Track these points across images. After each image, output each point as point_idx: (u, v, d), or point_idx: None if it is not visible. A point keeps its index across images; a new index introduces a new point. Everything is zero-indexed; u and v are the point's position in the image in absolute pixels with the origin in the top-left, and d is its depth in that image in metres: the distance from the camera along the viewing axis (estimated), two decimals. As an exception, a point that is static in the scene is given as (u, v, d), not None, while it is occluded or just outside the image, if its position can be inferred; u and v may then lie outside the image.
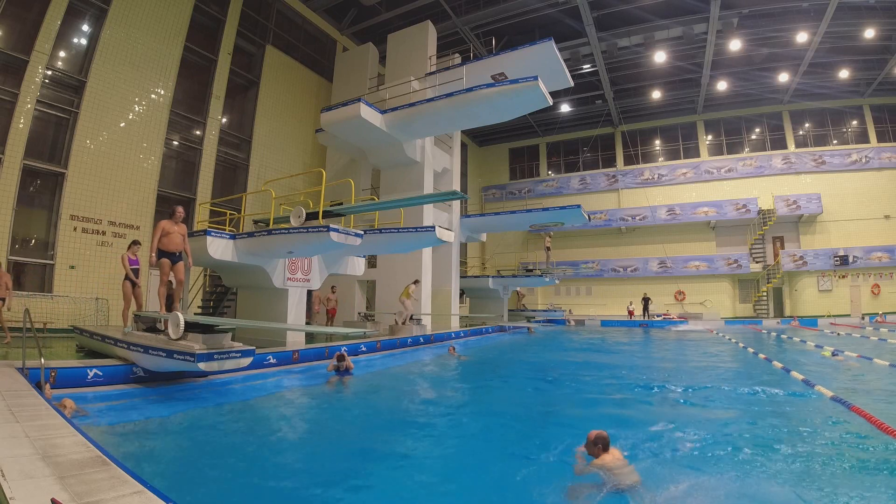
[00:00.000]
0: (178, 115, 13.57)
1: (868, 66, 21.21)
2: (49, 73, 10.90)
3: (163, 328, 6.17)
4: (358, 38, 19.55)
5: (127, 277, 7.81)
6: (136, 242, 8.24)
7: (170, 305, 7.00)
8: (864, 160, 23.45)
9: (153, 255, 6.69)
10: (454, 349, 11.14)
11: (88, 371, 5.66)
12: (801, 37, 18.24)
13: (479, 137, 30.22)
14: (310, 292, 12.05)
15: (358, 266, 12.14)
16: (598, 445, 3.25)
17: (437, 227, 11.46)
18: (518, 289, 25.34)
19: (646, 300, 23.87)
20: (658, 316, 23.84)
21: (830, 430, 4.57)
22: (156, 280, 11.05)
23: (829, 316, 22.28)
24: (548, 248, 24.11)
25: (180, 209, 7.06)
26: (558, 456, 3.89)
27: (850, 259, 22.47)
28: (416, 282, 13.75)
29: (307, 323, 12.37)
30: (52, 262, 10.69)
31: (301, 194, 13.52)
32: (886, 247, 22.32)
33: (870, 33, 18.08)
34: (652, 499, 3.02)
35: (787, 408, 5.70)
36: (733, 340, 14.45)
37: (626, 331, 20.55)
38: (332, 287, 14.14)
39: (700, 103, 24.71)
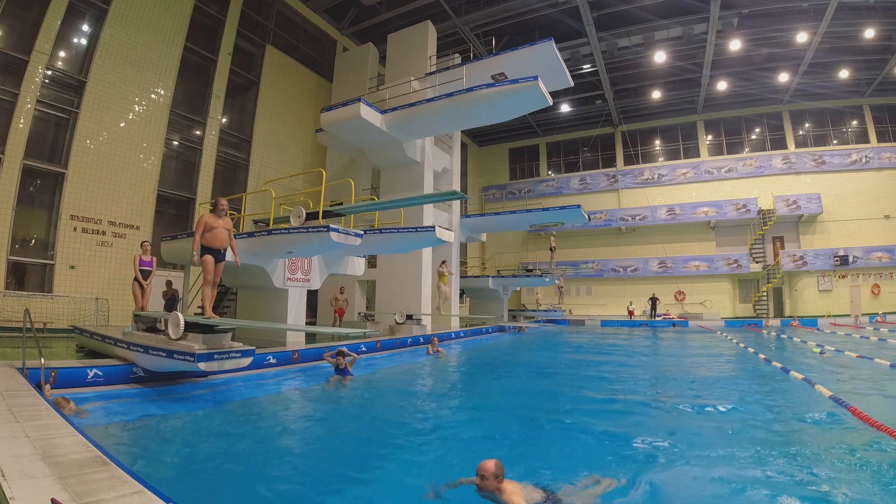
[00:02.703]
0: (178, 115, 13.58)
1: (868, 66, 21.21)
2: (49, 73, 10.91)
3: (163, 328, 6.17)
4: (358, 38, 19.56)
5: (136, 279, 7.81)
6: (146, 242, 8.29)
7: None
8: (864, 160, 23.45)
9: (195, 253, 6.14)
10: (432, 346, 11.05)
11: (88, 371, 5.66)
12: (801, 37, 18.24)
13: (479, 137, 30.22)
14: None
15: (358, 266, 12.14)
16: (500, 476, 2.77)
17: (437, 227, 11.45)
18: (559, 282, 24.68)
19: (653, 300, 23.88)
20: (658, 316, 23.84)
21: (828, 429, 4.57)
22: (161, 283, 11.07)
23: (829, 316, 22.28)
24: (552, 249, 24.01)
25: (224, 201, 6.45)
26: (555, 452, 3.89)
27: (850, 259, 22.46)
28: (443, 262, 14.00)
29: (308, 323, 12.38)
30: (52, 262, 10.70)
31: (301, 194, 13.52)
32: (886, 247, 22.32)
33: (870, 33, 18.07)
34: (648, 498, 3.02)
35: (786, 407, 5.69)
36: (734, 341, 14.46)
37: (627, 331, 20.54)
38: (341, 288, 14.13)
39: (700, 103, 24.71)
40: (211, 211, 6.49)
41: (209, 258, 6.22)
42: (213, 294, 6.44)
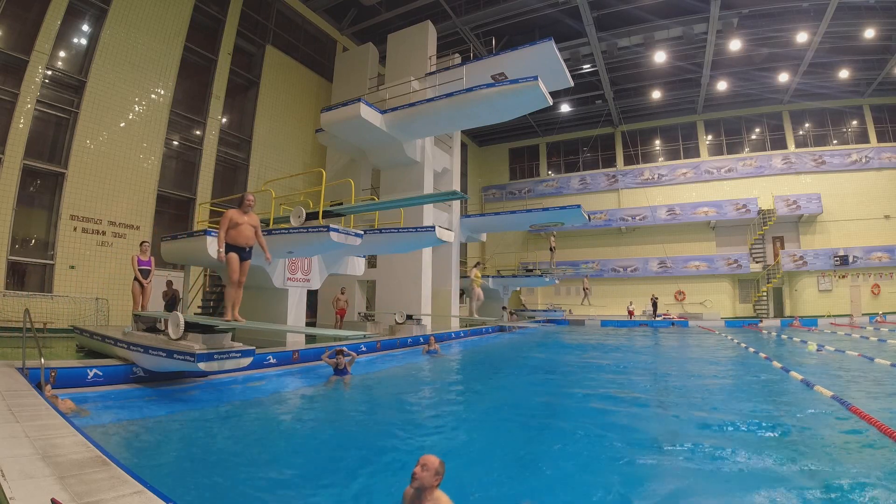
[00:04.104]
0: (178, 115, 13.58)
1: (868, 66, 21.21)
2: (49, 73, 10.90)
3: (163, 328, 6.17)
4: (358, 38, 19.56)
5: (136, 278, 7.81)
6: (145, 242, 8.29)
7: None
8: (864, 160, 23.45)
9: (221, 249, 5.77)
10: (429, 345, 10.99)
11: (88, 371, 5.66)
12: (801, 37, 18.24)
13: (479, 137, 30.22)
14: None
15: (358, 266, 12.14)
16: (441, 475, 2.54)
17: (437, 227, 11.46)
18: (585, 283, 24.89)
19: (654, 301, 23.94)
20: (658, 316, 23.86)
21: (829, 430, 4.57)
22: (161, 283, 11.06)
23: (829, 316, 22.29)
24: (552, 249, 23.98)
25: (251, 196, 6.08)
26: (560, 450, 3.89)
27: (850, 259, 22.46)
28: (477, 264, 14.15)
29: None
30: (52, 262, 10.69)
31: (301, 194, 13.51)
32: (886, 247, 22.32)
33: (870, 33, 18.07)
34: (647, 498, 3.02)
35: (786, 407, 5.69)
36: (735, 341, 14.46)
37: (627, 331, 20.52)
38: (342, 288, 14.14)
39: (700, 103, 24.71)
40: (237, 206, 6.06)
41: (234, 256, 5.89)
42: (239, 295, 6.07)
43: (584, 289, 24.68)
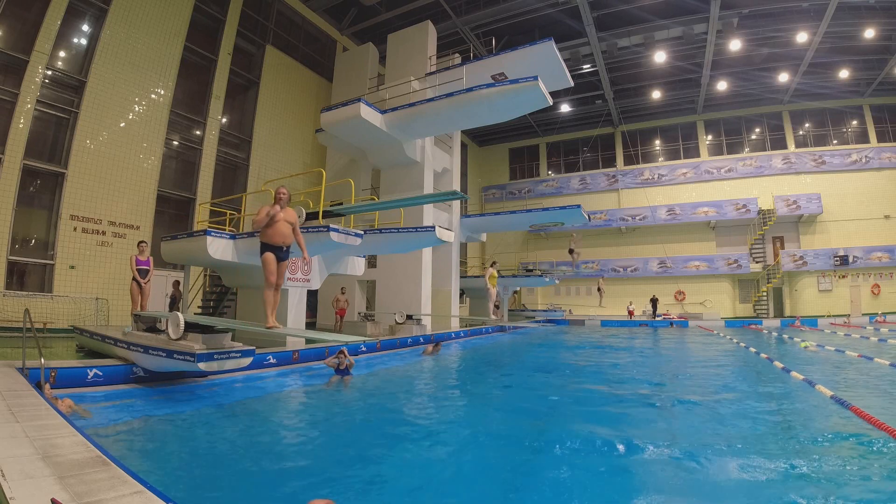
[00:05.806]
0: (178, 115, 13.58)
1: (868, 66, 21.22)
2: (49, 73, 10.91)
3: (163, 328, 6.17)
4: (358, 38, 19.57)
5: (134, 279, 7.82)
6: (143, 242, 8.29)
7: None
8: (864, 160, 23.46)
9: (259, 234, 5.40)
10: (431, 348, 10.89)
11: (88, 371, 5.66)
12: (801, 37, 18.25)
13: (479, 137, 30.23)
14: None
15: (358, 266, 12.14)
16: None
17: (437, 227, 11.45)
18: (599, 284, 24.84)
19: (654, 301, 23.94)
20: (658, 316, 23.86)
21: (828, 429, 4.57)
22: (162, 282, 11.07)
23: (829, 316, 22.30)
24: (571, 251, 23.06)
25: (283, 189, 5.63)
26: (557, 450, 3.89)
27: (850, 259, 22.47)
28: (493, 264, 14.19)
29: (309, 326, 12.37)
30: (52, 262, 10.70)
31: (301, 194, 13.50)
32: (886, 247, 22.33)
33: (870, 33, 18.09)
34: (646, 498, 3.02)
35: (786, 407, 5.69)
36: (734, 340, 14.47)
37: (627, 331, 20.52)
38: (342, 288, 14.14)
39: (700, 103, 24.72)
40: (275, 202, 5.74)
41: (270, 255, 5.48)
42: (277, 299, 5.63)
43: (598, 289, 24.63)
